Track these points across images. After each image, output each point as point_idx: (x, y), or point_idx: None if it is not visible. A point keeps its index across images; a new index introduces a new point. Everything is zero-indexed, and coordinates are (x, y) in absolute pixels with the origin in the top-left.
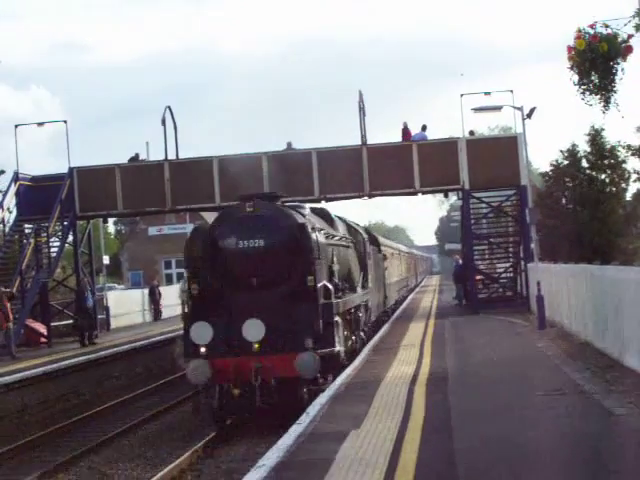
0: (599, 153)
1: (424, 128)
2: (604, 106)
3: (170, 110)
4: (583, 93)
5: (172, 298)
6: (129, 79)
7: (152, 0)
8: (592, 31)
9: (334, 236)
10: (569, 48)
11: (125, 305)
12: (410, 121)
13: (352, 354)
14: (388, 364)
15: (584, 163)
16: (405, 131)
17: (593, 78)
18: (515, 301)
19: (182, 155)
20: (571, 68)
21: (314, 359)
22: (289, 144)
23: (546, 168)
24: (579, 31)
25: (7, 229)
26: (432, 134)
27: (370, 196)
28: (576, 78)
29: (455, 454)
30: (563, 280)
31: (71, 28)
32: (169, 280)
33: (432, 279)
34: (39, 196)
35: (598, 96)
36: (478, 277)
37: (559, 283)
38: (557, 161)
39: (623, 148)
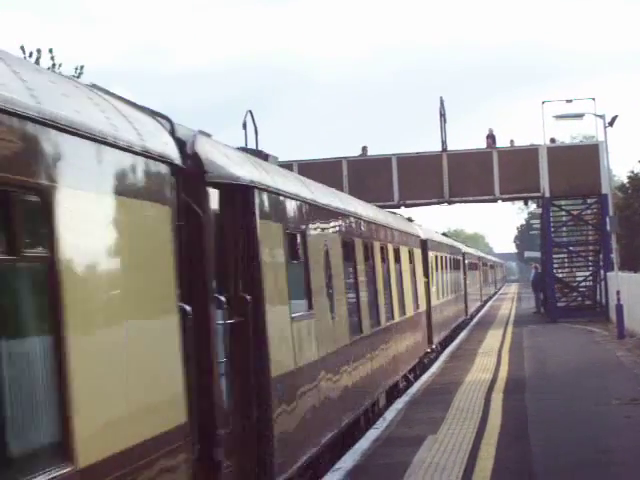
0: None
1: None
2: None
3: (251, 114)
4: None
5: None
6: (209, 83)
7: (234, 4)
8: None
9: None
10: None
11: None
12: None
13: None
14: (466, 370)
15: None
16: (490, 137)
17: None
18: (594, 310)
19: None
20: None
21: None
22: (364, 148)
23: (626, 178)
24: None
25: None
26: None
27: (450, 202)
28: None
29: (532, 461)
30: None
31: (153, 32)
32: None
33: (510, 287)
34: None
35: None
36: (557, 285)
37: (639, 293)
38: (632, 171)
39: None
